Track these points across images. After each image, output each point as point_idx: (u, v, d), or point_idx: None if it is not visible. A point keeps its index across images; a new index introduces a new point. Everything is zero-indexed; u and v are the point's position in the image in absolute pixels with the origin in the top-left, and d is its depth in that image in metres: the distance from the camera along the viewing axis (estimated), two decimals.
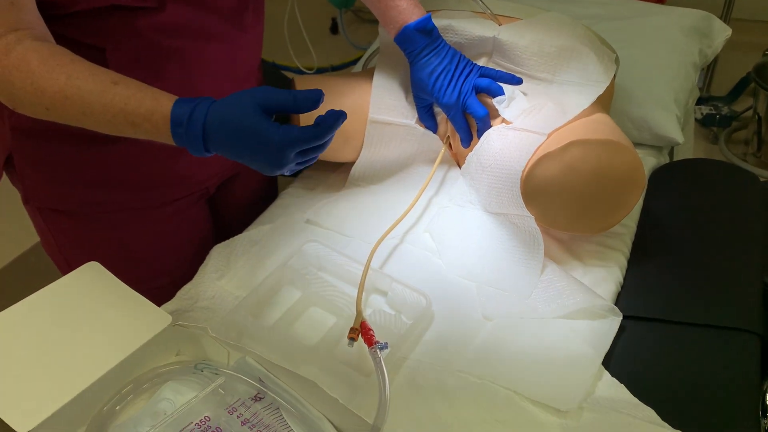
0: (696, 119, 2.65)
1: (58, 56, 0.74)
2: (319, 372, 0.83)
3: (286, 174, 0.77)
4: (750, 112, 2.50)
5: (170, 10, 0.86)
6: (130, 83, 0.74)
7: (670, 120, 1.19)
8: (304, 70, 2.69)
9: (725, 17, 2.61)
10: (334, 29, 3.43)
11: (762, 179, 2.30)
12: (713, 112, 2.64)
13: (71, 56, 0.75)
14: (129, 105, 0.72)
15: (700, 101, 2.72)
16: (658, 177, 1.17)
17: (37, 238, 1.08)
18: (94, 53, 0.84)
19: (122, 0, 0.81)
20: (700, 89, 2.75)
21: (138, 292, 0.85)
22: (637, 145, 1.24)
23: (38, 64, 0.72)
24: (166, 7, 0.85)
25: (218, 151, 0.74)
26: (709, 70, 2.73)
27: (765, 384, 0.82)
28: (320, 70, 2.82)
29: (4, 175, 1.00)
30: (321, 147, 0.76)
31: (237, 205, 1.19)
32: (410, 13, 1.00)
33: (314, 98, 0.73)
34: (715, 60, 2.71)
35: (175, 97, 0.73)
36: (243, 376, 0.80)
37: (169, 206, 1.04)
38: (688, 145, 1.54)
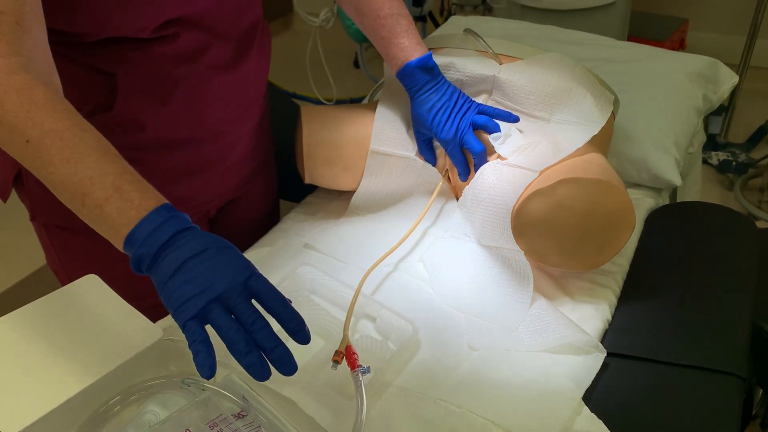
0: (711, 165, 2.64)
1: (67, 103, 0.71)
2: (303, 393, 0.85)
3: (204, 374, 0.65)
4: (766, 160, 2.49)
5: (182, 39, 0.90)
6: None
7: (669, 162, 1.20)
8: (323, 101, 2.76)
9: (743, 66, 2.63)
10: (357, 63, 3.51)
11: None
12: (730, 158, 2.63)
13: (77, 113, 0.71)
14: (127, 172, 0.70)
15: (716, 147, 2.72)
16: (654, 218, 1.18)
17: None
18: (105, 78, 0.88)
19: (143, 33, 0.86)
20: (718, 135, 2.75)
21: (136, 308, 0.87)
22: (637, 186, 1.25)
23: (44, 97, 0.69)
24: (179, 36, 0.89)
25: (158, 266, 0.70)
26: (727, 117, 2.73)
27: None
28: (339, 101, 2.88)
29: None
30: (261, 325, 0.65)
31: (238, 227, 1.22)
32: (412, 51, 1.04)
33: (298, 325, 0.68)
34: (734, 107, 2.71)
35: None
36: (227, 392, 0.82)
37: None
38: (695, 189, 1.54)
